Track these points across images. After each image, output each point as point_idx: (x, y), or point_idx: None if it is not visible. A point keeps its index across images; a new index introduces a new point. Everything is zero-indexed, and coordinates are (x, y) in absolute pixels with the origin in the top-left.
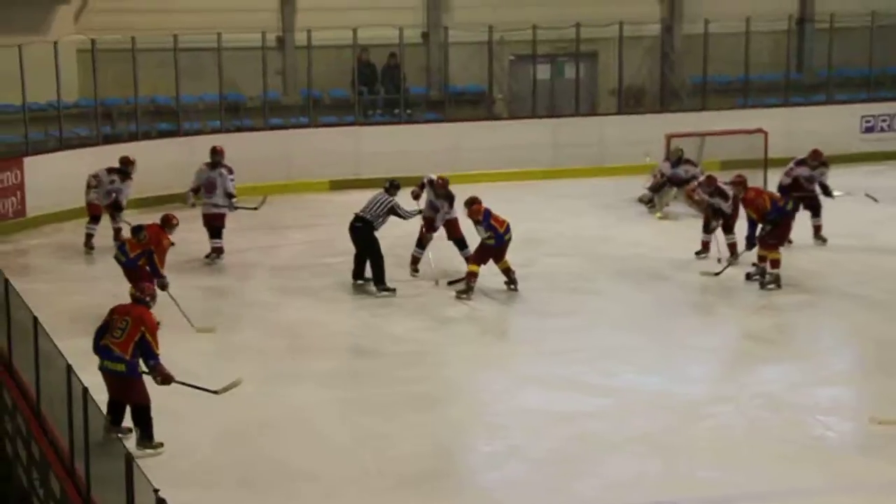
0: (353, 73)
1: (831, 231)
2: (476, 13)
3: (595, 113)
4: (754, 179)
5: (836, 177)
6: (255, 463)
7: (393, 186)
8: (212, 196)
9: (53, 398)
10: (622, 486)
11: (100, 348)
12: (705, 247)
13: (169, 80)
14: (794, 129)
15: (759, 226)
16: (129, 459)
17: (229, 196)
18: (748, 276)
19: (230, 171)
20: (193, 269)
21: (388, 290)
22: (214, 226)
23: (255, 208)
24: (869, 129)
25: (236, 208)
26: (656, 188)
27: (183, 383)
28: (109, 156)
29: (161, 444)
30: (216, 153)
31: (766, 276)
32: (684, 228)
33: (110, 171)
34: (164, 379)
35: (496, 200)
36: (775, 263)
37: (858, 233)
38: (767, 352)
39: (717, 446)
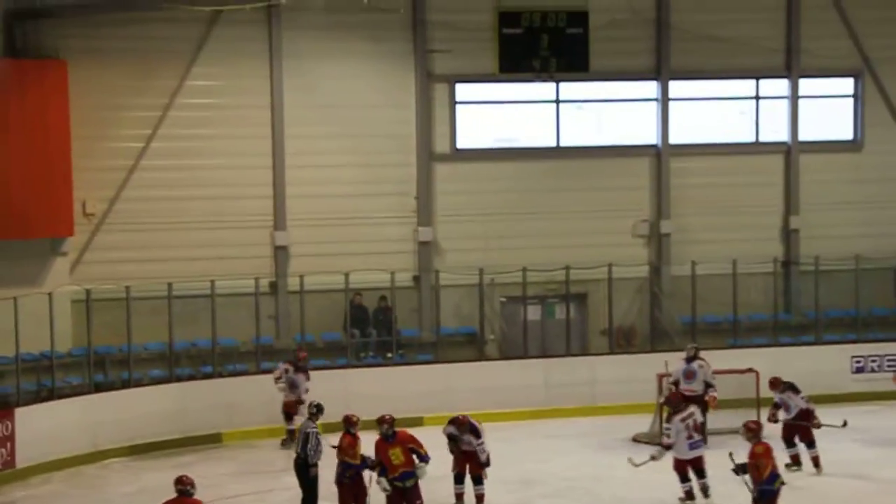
0: (345, 317)
1: (828, 472)
2: (466, 256)
3: (586, 353)
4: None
5: (826, 416)
6: None
7: (317, 411)
8: (294, 391)
9: None
10: None
11: None
12: (794, 460)
13: (162, 326)
14: (785, 369)
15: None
16: None
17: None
18: None
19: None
20: None
21: None
22: (290, 413)
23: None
24: (859, 370)
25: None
26: (670, 401)
27: None
28: (101, 405)
29: None
30: (300, 359)
31: None
32: None
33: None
34: None
35: (489, 440)
36: None
37: (853, 473)
38: None
39: None
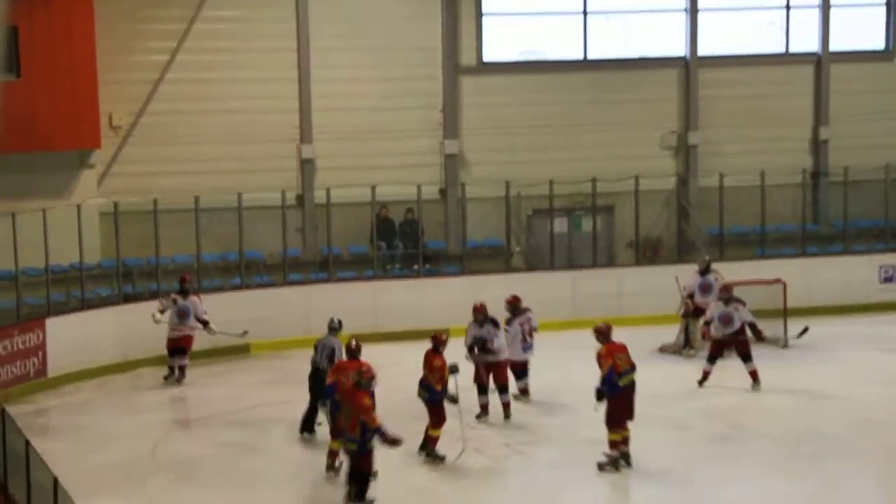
0: (372, 229)
1: (855, 380)
2: (493, 169)
3: (613, 264)
4: (775, 329)
5: (854, 325)
6: None
7: (339, 326)
8: (185, 321)
9: None
10: None
11: (338, 429)
12: (705, 376)
13: (190, 239)
14: (813, 279)
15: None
16: None
17: (204, 322)
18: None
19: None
20: (212, 425)
21: None
22: (182, 347)
23: (239, 335)
24: (888, 279)
25: (218, 333)
26: (689, 313)
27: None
28: (130, 315)
29: (373, 501)
30: (185, 282)
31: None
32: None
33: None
34: (393, 442)
35: None
36: (613, 444)
37: (881, 380)
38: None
39: None
